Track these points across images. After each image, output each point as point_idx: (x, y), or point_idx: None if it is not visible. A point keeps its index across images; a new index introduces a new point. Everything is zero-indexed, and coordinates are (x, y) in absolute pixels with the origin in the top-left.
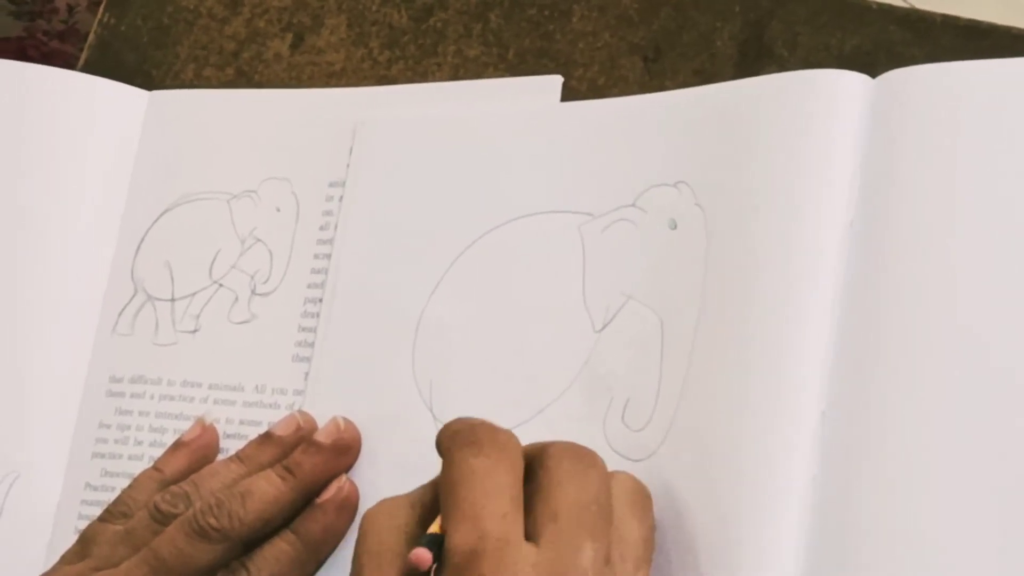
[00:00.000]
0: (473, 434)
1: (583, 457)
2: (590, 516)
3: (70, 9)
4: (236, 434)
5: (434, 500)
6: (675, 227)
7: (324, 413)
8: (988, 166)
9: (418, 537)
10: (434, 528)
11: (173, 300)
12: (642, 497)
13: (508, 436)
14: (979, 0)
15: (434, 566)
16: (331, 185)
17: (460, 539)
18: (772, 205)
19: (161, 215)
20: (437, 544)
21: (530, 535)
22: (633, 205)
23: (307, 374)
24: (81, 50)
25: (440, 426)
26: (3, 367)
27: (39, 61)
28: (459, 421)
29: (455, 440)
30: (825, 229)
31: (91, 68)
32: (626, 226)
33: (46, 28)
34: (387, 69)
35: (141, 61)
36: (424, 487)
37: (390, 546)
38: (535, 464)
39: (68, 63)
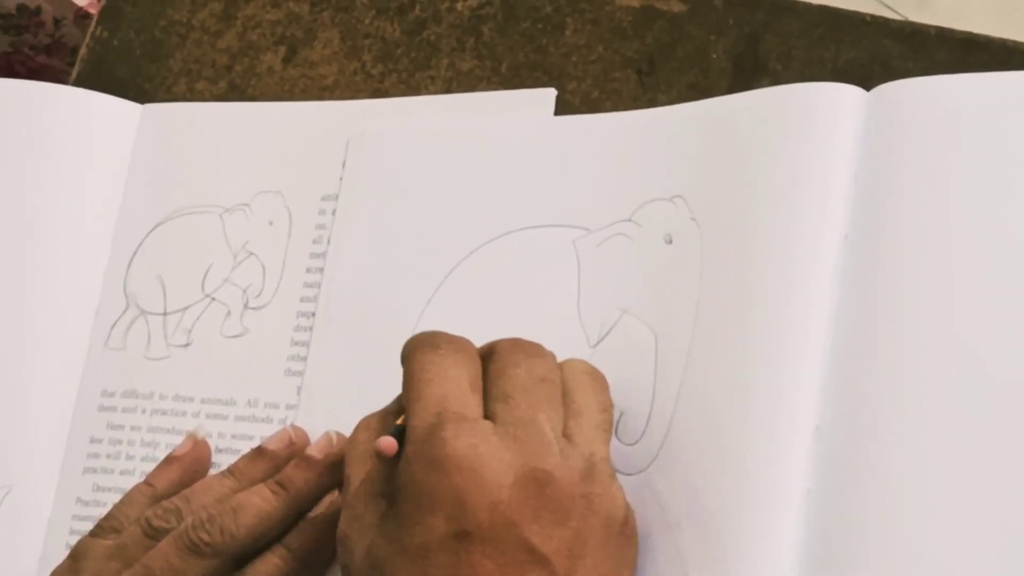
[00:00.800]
0: (432, 337)
1: (529, 345)
2: (541, 390)
3: (56, 23)
4: (228, 448)
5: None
6: (671, 242)
7: (317, 428)
8: (983, 179)
9: None
10: (401, 421)
11: (165, 314)
12: (595, 376)
13: (464, 338)
14: (973, 13)
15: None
16: (324, 198)
17: (420, 419)
18: (767, 219)
19: (153, 228)
20: (403, 434)
21: (488, 414)
22: (629, 220)
23: (300, 388)
24: (69, 64)
25: None
26: None
27: (26, 76)
28: (418, 333)
29: (415, 344)
30: (820, 242)
31: (84, 82)
32: (622, 241)
33: (33, 43)
34: (380, 82)
35: (134, 74)
36: (397, 398)
37: (368, 448)
38: (485, 360)
39: (56, 77)
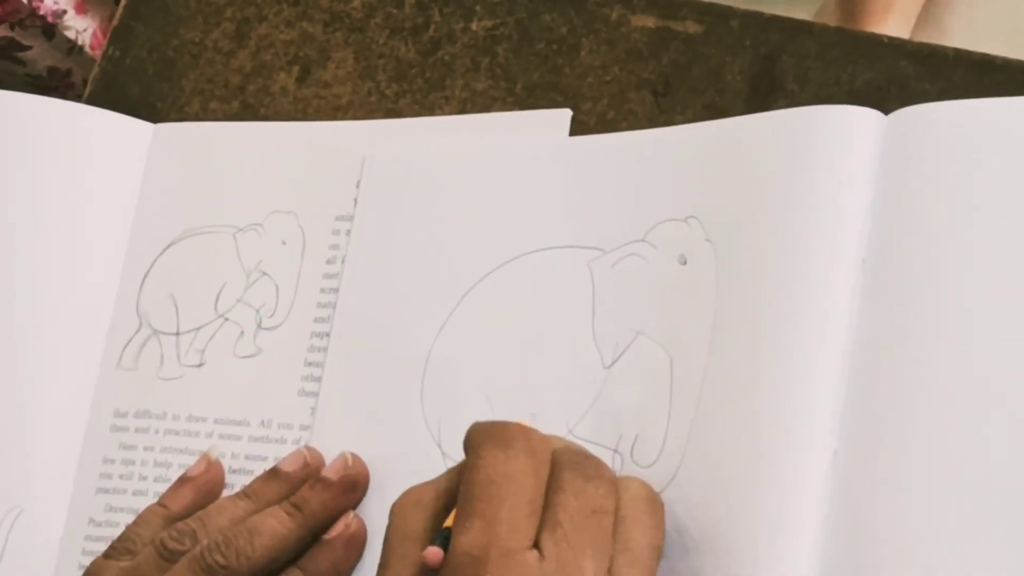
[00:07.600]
0: (504, 431)
1: (590, 466)
2: (592, 525)
3: (86, 83)
4: (242, 469)
5: (458, 488)
6: (685, 262)
7: (331, 448)
8: (1001, 204)
9: (441, 524)
10: (450, 522)
11: (178, 334)
12: (652, 504)
13: (540, 440)
14: (983, 38)
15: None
16: (338, 218)
17: (466, 542)
18: (782, 242)
19: (166, 248)
20: (448, 540)
21: (536, 541)
22: (643, 240)
23: (314, 409)
24: None
25: (449, 463)
26: (7, 401)
27: None
28: (491, 422)
29: (485, 435)
30: (836, 266)
31: (96, 100)
32: (636, 261)
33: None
34: (394, 103)
35: (146, 94)
36: (450, 472)
37: (415, 530)
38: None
39: None
